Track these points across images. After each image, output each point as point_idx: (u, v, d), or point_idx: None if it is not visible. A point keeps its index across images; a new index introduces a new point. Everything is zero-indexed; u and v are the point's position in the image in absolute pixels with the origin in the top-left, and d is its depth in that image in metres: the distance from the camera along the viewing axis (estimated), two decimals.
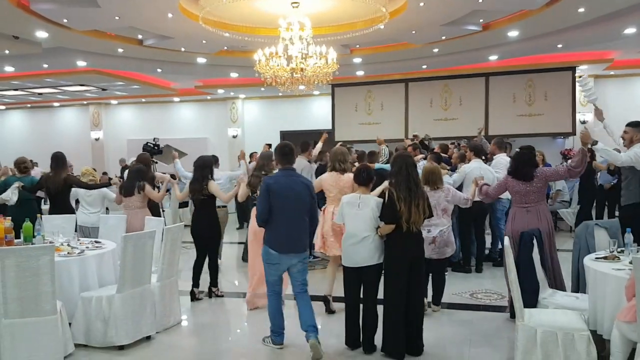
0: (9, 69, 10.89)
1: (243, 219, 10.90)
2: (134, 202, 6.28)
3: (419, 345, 4.26)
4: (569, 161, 5.18)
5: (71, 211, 6.54)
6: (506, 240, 4.13)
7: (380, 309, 4.28)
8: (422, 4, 7.51)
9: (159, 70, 11.40)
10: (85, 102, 16.81)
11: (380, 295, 4.28)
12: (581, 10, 7.68)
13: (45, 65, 10.69)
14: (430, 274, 5.25)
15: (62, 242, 5.02)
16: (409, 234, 4.16)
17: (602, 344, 3.70)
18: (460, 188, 6.61)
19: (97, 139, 17.03)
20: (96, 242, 5.42)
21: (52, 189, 6.41)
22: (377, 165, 7.08)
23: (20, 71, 11.39)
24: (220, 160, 8.86)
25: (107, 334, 4.41)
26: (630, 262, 3.42)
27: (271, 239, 4.33)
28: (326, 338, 4.54)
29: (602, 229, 4.66)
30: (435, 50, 10.10)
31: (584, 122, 12.20)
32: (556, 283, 4.84)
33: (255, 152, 11.06)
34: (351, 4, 7.47)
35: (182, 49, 9.94)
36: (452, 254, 5.54)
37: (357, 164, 6.07)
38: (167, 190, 7.17)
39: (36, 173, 8.59)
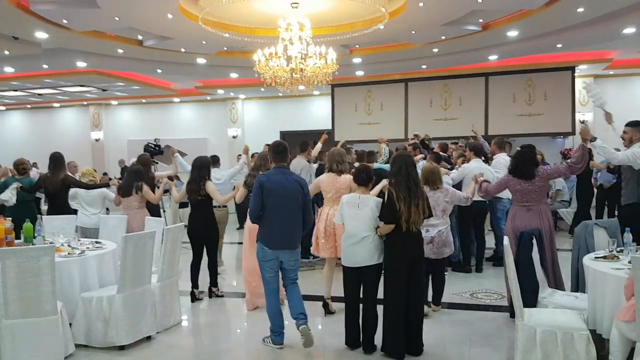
0: (8, 69, 10.88)
1: (243, 219, 10.91)
2: (132, 203, 6.33)
3: (418, 345, 4.26)
4: (570, 159, 5.19)
5: (70, 211, 6.54)
6: (506, 240, 4.14)
7: (380, 309, 4.28)
8: (421, 4, 7.51)
9: (159, 70, 11.39)
10: (85, 103, 16.80)
11: (380, 295, 4.28)
12: (580, 10, 7.68)
13: (45, 66, 10.67)
14: (430, 274, 5.26)
15: (63, 242, 5.04)
16: (408, 234, 4.17)
17: (601, 344, 3.71)
18: (459, 187, 6.61)
19: (97, 140, 17.01)
20: (96, 242, 5.44)
21: (50, 189, 6.43)
22: (375, 165, 7.08)
23: (20, 72, 11.38)
24: (220, 160, 8.85)
25: (107, 334, 4.42)
26: (630, 262, 3.42)
27: (264, 236, 4.41)
28: (326, 338, 4.54)
29: (601, 229, 4.66)
30: (435, 50, 10.10)
31: (583, 122, 12.20)
32: (556, 282, 4.85)
33: (256, 153, 11.04)
34: (351, 4, 7.46)
35: (182, 50, 9.93)
36: (451, 254, 5.54)
37: (356, 164, 6.08)
38: (166, 191, 7.18)
39: (34, 175, 8.58)
